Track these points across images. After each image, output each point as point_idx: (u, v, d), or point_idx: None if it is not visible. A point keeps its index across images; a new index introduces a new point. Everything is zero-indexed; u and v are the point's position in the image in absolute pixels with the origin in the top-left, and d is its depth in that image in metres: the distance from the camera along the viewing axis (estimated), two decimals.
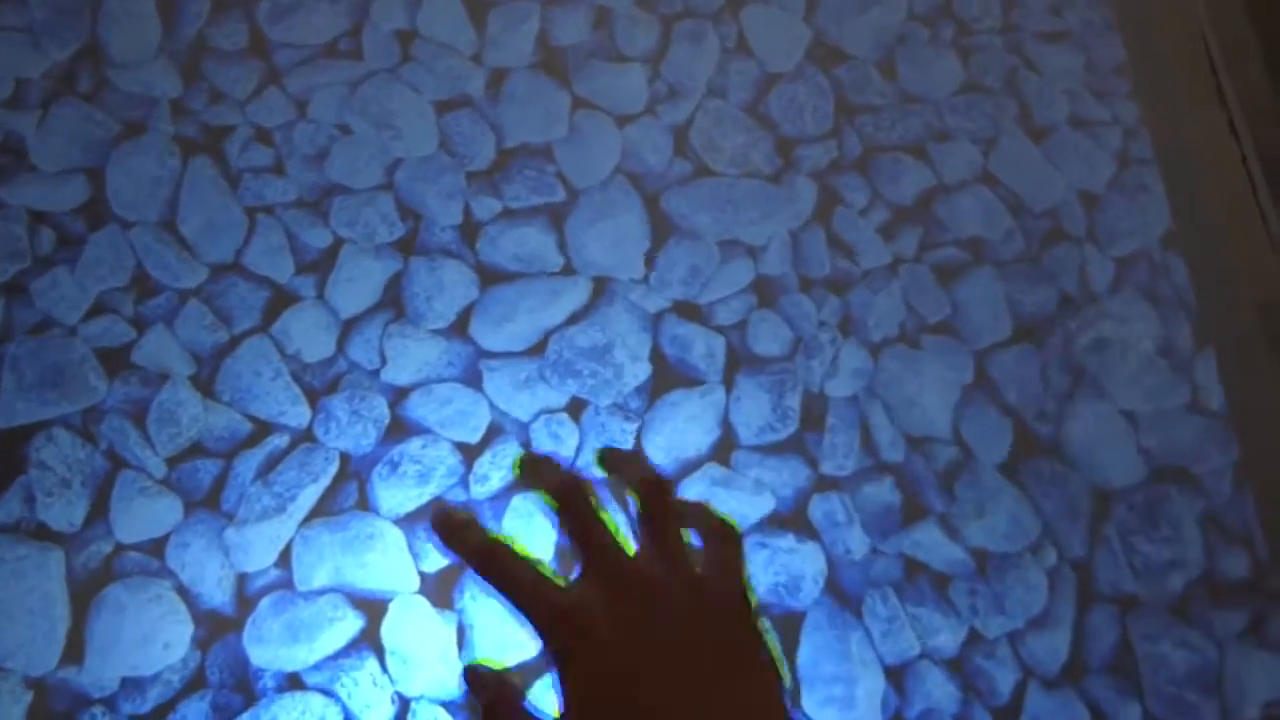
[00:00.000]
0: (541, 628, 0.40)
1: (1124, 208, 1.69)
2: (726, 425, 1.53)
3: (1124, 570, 1.51)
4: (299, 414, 1.52)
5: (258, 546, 1.46)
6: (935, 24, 1.79)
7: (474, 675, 0.44)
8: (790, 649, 1.43)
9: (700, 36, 1.75)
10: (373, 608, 1.44)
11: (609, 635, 0.38)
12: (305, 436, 1.50)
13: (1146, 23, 1.79)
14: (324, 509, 1.48)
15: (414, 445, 1.51)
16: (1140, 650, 1.46)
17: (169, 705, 1.37)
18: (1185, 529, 1.50)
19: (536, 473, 0.45)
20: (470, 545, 0.43)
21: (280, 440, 1.51)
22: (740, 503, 1.49)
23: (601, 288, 1.59)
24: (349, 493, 1.48)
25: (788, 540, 1.47)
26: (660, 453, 1.52)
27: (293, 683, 1.40)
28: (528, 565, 0.43)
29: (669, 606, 0.39)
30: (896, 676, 1.44)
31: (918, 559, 1.50)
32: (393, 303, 1.56)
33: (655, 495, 0.46)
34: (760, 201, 1.65)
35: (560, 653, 0.38)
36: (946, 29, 1.79)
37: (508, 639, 1.43)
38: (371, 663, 1.40)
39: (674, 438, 1.53)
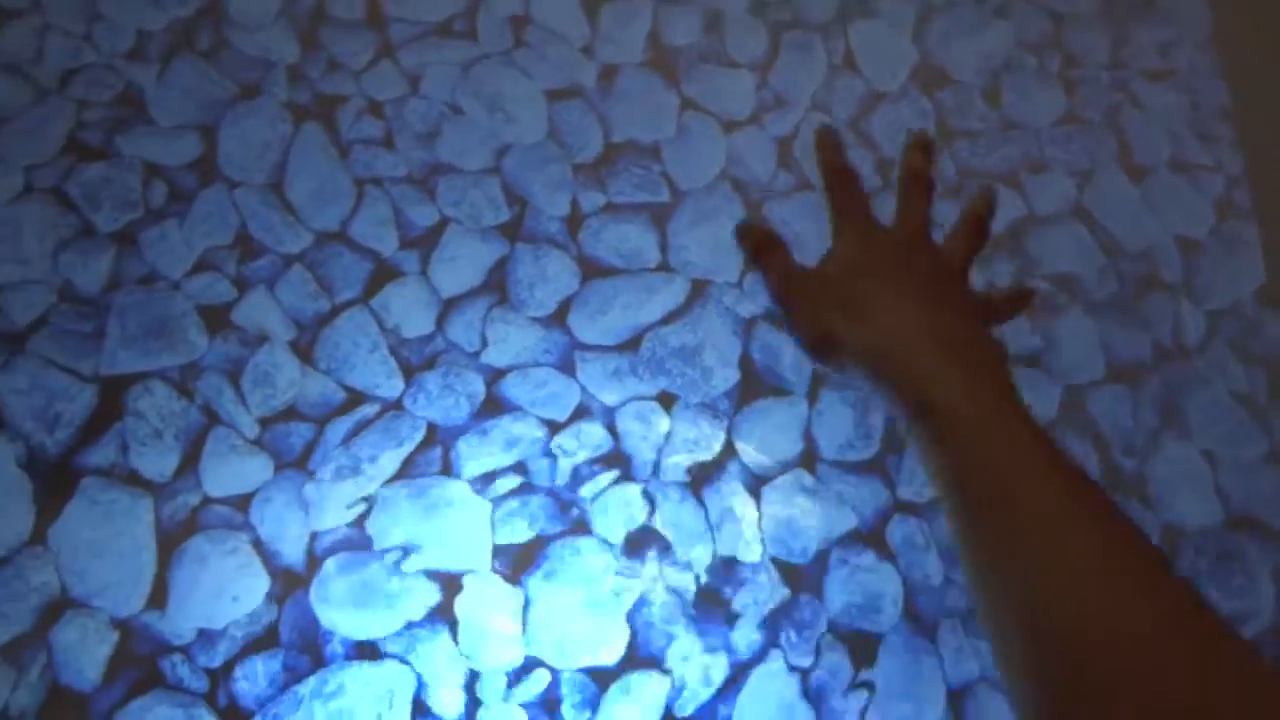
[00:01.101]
0: (832, 199, 0.57)
1: (1220, 258, 1.70)
2: (809, 438, 1.55)
3: None
4: (393, 387, 1.54)
5: (333, 505, 1.49)
6: (1043, 54, 1.80)
7: (744, 228, 0.56)
8: (866, 663, 1.45)
9: (809, 48, 1.76)
10: (447, 579, 1.46)
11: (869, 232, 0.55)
12: (395, 406, 1.53)
13: (1253, 70, 1.79)
14: (405, 473, 1.50)
15: (504, 420, 1.53)
16: None
17: (237, 659, 1.41)
18: (1259, 581, 1.52)
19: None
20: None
21: (370, 409, 1.54)
22: (824, 515, 1.51)
23: (698, 290, 1.61)
24: (432, 458, 1.51)
25: (868, 559, 1.49)
26: (753, 452, 1.54)
27: (362, 651, 1.43)
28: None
29: (918, 250, 0.54)
30: (957, 700, 1.46)
31: None
32: (496, 286, 1.58)
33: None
34: None
35: (837, 218, 0.56)
36: (1053, 60, 1.80)
37: (567, 622, 1.45)
38: (444, 636, 1.42)
39: (765, 440, 1.55)
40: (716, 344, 1.58)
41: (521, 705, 1.41)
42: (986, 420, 0.43)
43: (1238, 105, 1.75)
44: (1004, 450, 0.42)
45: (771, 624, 1.46)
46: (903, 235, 0.54)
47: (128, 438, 1.49)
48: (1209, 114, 1.78)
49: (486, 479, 1.49)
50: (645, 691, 1.41)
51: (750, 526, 1.49)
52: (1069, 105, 1.78)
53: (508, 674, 1.42)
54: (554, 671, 1.41)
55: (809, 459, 1.55)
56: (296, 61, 1.65)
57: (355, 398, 1.53)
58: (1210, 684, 0.32)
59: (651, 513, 1.49)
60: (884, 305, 0.49)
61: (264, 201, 1.58)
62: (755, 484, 1.53)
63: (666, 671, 1.42)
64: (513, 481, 1.49)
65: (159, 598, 1.44)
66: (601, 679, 1.41)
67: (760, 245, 0.55)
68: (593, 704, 1.40)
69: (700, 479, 1.52)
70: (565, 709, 1.41)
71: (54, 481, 1.46)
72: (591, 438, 1.53)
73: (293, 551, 1.45)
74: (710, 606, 1.46)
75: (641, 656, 1.43)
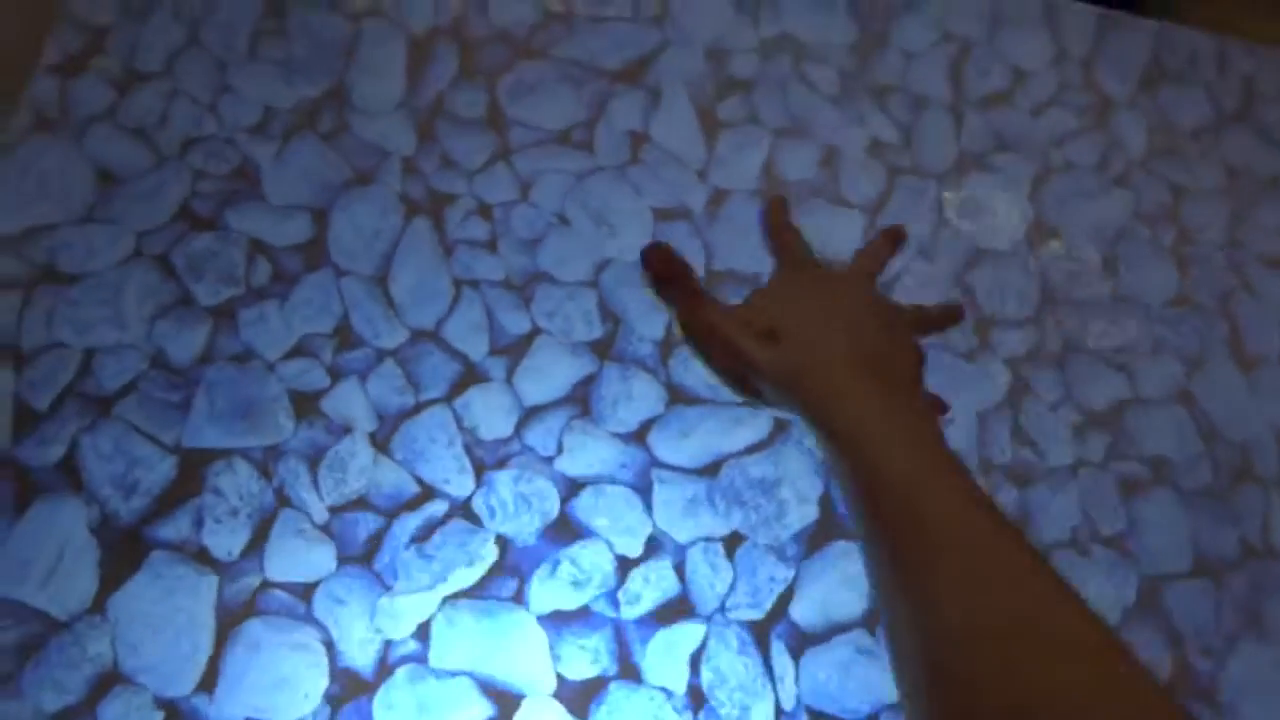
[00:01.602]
0: (774, 247, 0.60)
1: None
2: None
3: None
4: (463, 483, 1.53)
5: (405, 615, 1.47)
6: (1157, 225, 1.77)
7: (653, 251, 0.54)
8: None
9: (922, 194, 1.74)
10: (505, 700, 1.44)
11: (802, 270, 0.56)
12: (464, 509, 1.52)
13: None
14: (476, 593, 1.49)
15: (574, 548, 1.51)
16: None
17: None
18: None
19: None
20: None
21: (439, 507, 1.52)
22: (884, 677, 1.47)
23: (781, 425, 1.59)
24: (504, 583, 1.49)
25: None
26: (812, 607, 1.51)
27: None
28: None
29: (843, 279, 0.55)
30: None
31: None
32: (579, 400, 1.57)
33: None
34: (952, 377, 1.64)
35: (777, 260, 0.58)
36: (1168, 233, 1.76)
37: None
38: None
39: (828, 594, 1.51)
40: (795, 481, 1.55)
41: None
42: (892, 437, 0.43)
43: None
44: (909, 468, 0.41)
45: None
46: (840, 270, 0.56)
47: (204, 513, 1.49)
48: None
49: (554, 612, 1.47)
50: None
51: (789, 679, 1.46)
52: (1181, 287, 1.74)
53: None
54: None
55: (874, 616, 1.51)
56: (412, 154, 1.66)
57: (426, 491, 1.52)
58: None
59: (708, 658, 1.46)
60: (800, 324, 0.50)
61: (368, 294, 1.58)
62: (801, 642, 1.49)
63: None
64: (577, 616, 1.47)
65: (209, 682, 1.43)
66: None
67: (665, 269, 0.53)
68: None
69: (761, 629, 1.49)
70: None
71: (122, 551, 1.46)
72: (661, 580, 1.50)
73: (358, 654, 1.43)
74: None
75: None
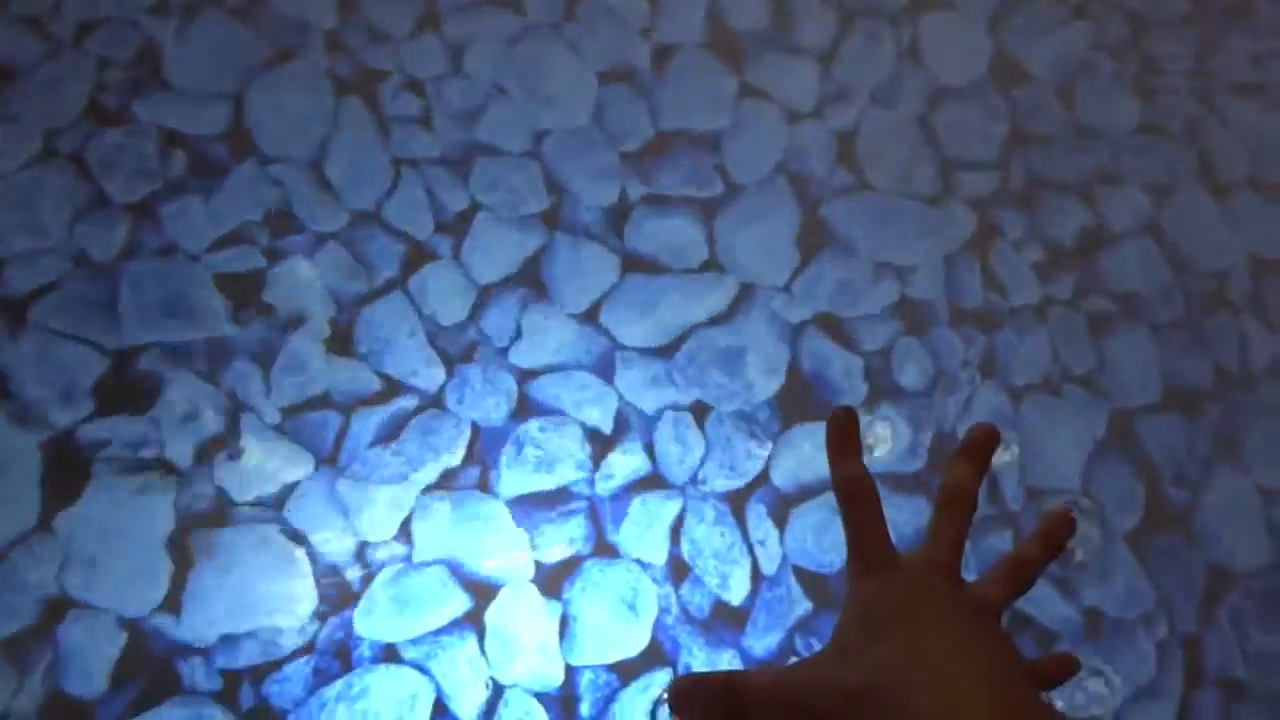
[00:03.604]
0: (848, 525, 0.45)
1: None
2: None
3: (1234, 655, 1.48)
4: (432, 375, 1.47)
5: (378, 514, 1.42)
6: (1121, 57, 1.70)
7: (679, 694, 0.42)
8: None
9: (876, 37, 1.65)
10: (482, 590, 1.41)
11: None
12: (435, 401, 1.46)
13: None
14: (447, 484, 1.44)
15: (535, 427, 1.46)
16: None
17: (274, 665, 1.35)
18: None
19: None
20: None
21: (408, 402, 1.46)
22: None
23: (746, 292, 1.54)
24: (471, 472, 1.44)
25: None
26: (787, 475, 1.48)
27: (389, 654, 1.38)
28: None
29: (930, 588, 0.43)
30: None
31: (1026, 612, 1.47)
32: (531, 278, 1.50)
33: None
34: (917, 221, 1.59)
35: (851, 554, 0.44)
36: (1132, 64, 1.70)
37: (611, 634, 1.41)
38: (471, 643, 1.37)
39: (801, 464, 1.49)
40: (762, 350, 1.51)
41: (535, 694, 1.37)
42: None
43: None
44: None
45: (790, 636, 1.42)
46: (930, 570, 0.44)
47: (153, 420, 1.42)
48: None
49: (523, 495, 1.43)
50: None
51: (773, 540, 1.44)
52: (1146, 116, 1.68)
53: (535, 692, 1.37)
54: (575, 669, 1.37)
55: None
56: (335, 27, 1.54)
57: (392, 386, 1.46)
58: None
59: (685, 530, 1.44)
60: (906, 634, 0.39)
61: (304, 178, 1.49)
62: (783, 505, 1.47)
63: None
64: (551, 496, 1.43)
65: (176, 597, 1.38)
66: (622, 673, 1.37)
67: (694, 709, 0.42)
68: (609, 699, 1.36)
69: (738, 497, 1.46)
70: (583, 706, 1.37)
71: (66, 464, 1.40)
72: (630, 453, 1.46)
73: (334, 557, 1.39)
74: (729, 618, 1.41)
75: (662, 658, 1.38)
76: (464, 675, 1.39)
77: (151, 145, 1.48)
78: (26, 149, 1.46)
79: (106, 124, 1.47)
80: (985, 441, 0.45)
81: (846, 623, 0.41)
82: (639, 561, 1.41)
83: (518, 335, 1.49)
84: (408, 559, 1.38)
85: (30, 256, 1.43)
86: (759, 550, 1.44)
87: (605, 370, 1.48)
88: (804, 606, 1.42)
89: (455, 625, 1.39)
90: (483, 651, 1.39)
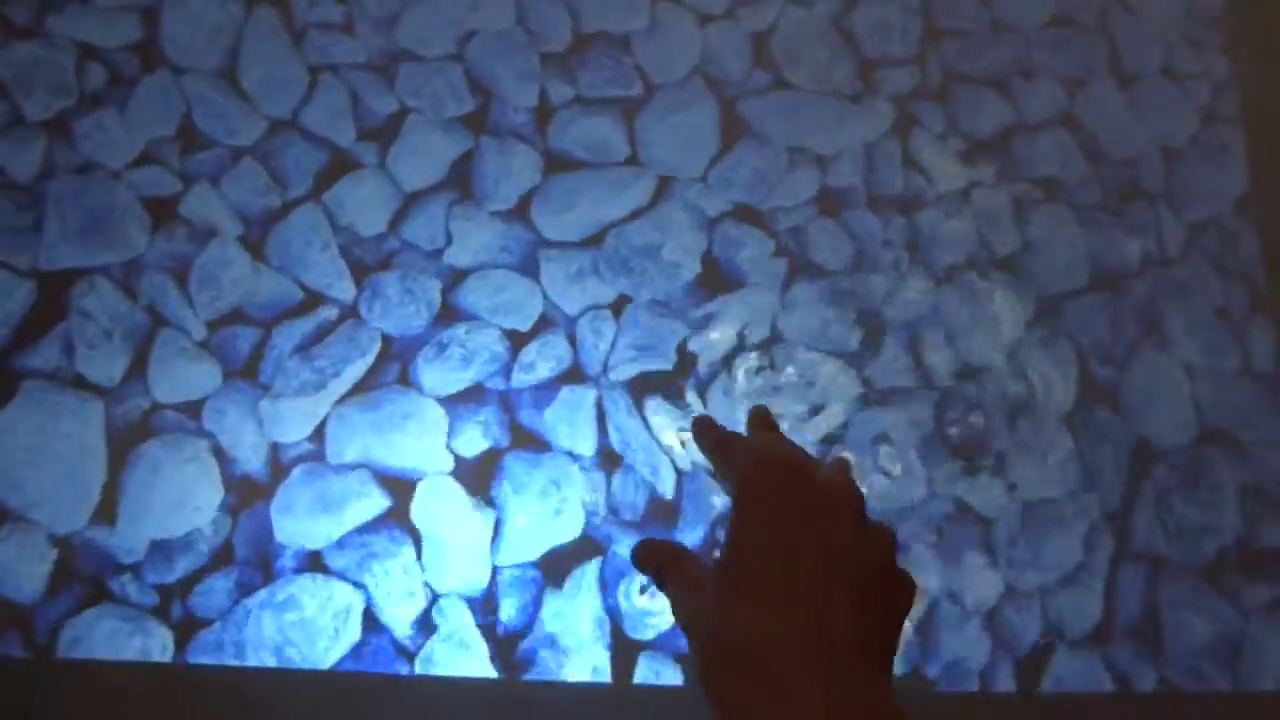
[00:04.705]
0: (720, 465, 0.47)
1: (1202, 167, 1.66)
2: (774, 330, 1.51)
3: (1157, 529, 1.52)
4: (345, 288, 1.47)
5: (293, 419, 1.43)
6: None
7: (642, 549, 0.45)
8: None
9: None
10: (402, 487, 1.41)
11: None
12: (351, 313, 1.46)
13: None
14: (365, 385, 1.45)
15: (460, 330, 1.47)
16: (1166, 616, 1.48)
17: (195, 578, 1.35)
18: (1224, 494, 1.52)
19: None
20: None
21: (329, 313, 1.47)
22: (791, 403, 1.48)
23: (664, 186, 1.55)
24: (390, 371, 1.45)
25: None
26: (708, 349, 1.50)
27: (313, 563, 1.38)
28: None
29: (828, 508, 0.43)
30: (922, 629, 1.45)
31: (967, 501, 1.50)
32: (460, 183, 1.51)
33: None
34: (836, 116, 1.61)
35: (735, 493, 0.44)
36: None
37: (539, 532, 1.42)
38: (407, 551, 1.38)
39: (724, 331, 1.50)
40: (680, 239, 1.52)
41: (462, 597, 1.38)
42: None
43: (1230, 11, 1.69)
44: None
45: (717, 528, 1.44)
46: (824, 486, 0.43)
47: (74, 339, 1.42)
48: (1203, 19, 1.72)
49: (446, 394, 1.44)
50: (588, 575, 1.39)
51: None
52: (1059, 7, 1.71)
53: (467, 598, 1.39)
54: (495, 569, 1.39)
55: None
56: None
57: (310, 298, 1.46)
58: None
59: (606, 422, 1.45)
60: (780, 581, 0.39)
61: (215, 88, 1.48)
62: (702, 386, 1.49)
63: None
64: (470, 394, 1.44)
65: (107, 511, 1.37)
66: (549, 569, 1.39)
67: (654, 565, 0.44)
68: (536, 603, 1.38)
69: (649, 388, 1.48)
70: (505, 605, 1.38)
71: None
72: (552, 349, 1.47)
73: (252, 461, 1.39)
74: (658, 514, 1.43)
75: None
76: (396, 583, 1.39)
77: (68, 59, 1.47)
78: None
79: (20, 38, 1.46)
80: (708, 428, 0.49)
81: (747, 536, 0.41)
82: (569, 454, 1.43)
83: (449, 241, 1.49)
84: (321, 457, 1.39)
85: None
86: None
87: (530, 268, 1.49)
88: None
89: (380, 524, 1.39)
90: (419, 559, 1.40)
